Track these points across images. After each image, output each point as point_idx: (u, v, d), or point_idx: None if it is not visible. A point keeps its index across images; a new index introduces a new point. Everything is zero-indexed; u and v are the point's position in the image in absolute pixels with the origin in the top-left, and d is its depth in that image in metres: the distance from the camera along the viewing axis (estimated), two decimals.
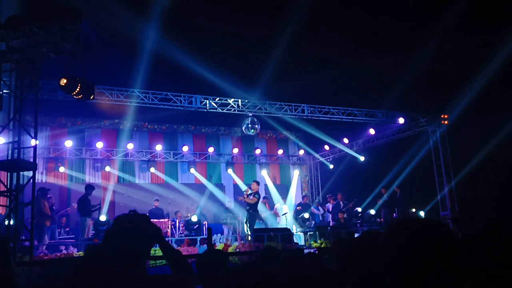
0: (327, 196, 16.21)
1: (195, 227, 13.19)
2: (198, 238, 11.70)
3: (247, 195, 12.09)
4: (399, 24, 12.20)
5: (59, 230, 12.64)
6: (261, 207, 16.13)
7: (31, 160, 8.36)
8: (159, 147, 16.54)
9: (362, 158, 16.98)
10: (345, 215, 14.49)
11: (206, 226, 13.10)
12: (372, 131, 16.12)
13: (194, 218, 13.38)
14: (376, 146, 16.88)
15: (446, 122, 14.46)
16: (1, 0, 8.93)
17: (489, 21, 11.50)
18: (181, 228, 13.33)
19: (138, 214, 2.17)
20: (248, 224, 11.79)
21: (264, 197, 16.98)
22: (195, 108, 13.18)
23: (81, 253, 9.39)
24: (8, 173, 8.06)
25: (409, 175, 14.71)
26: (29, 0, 8.92)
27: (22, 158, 8.18)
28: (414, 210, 14.47)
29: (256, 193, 12.22)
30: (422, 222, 1.55)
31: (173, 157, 17.09)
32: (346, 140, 17.39)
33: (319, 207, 16.30)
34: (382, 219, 14.42)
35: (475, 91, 12.57)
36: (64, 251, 10.10)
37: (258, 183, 12.66)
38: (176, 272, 2.25)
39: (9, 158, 8.10)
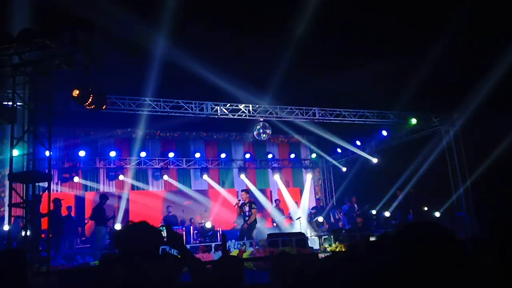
0: (346, 199, 16.10)
1: (209, 234, 13.20)
2: (213, 244, 11.69)
3: (239, 206, 11.96)
4: (409, 24, 12.12)
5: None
6: (275, 211, 16.13)
7: (46, 171, 8.45)
8: (171, 155, 16.63)
9: (375, 160, 16.85)
10: (362, 219, 14.37)
11: (220, 233, 13.09)
12: (384, 133, 16.01)
13: (208, 225, 13.40)
14: (389, 148, 16.75)
15: (459, 121, 14.30)
16: (13, 14, 9.08)
17: (501, 18, 11.37)
18: (195, 235, 13.35)
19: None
20: (246, 232, 11.72)
21: (276, 200, 16.95)
22: (206, 114, 13.23)
23: (96, 262, 9.44)
24: (24, 185, 8.17)
25: (424, 176, 14.52)
26: (40, 13, 9.06)
27: (37, 169, 8.26)
28: (426, 208, 14.27)
29: (252, 203, 12.09)
30: (426, 226, 1.58)
31: (186, 164, 17.16)
32: (358, 142, 17.28)
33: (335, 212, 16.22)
34: (397, 221, 14.27)
35: (488, 89, 12.38)
36: (81, 261, 10.17)
37: (247, 192, 12.58)
38: (196, 279, 2.26)
39: (24, 169, 8.20)
